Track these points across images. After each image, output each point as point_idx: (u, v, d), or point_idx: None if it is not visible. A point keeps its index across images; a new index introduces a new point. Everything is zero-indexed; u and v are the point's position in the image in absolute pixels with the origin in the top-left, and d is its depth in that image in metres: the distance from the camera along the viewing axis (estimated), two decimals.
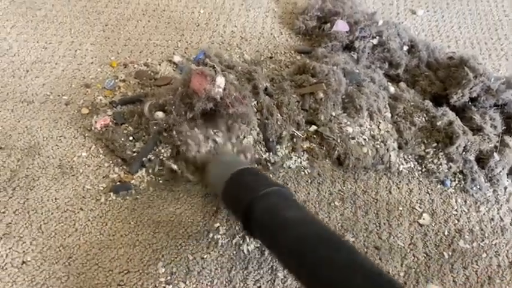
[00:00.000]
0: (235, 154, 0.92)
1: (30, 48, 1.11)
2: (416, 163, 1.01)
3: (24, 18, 1.19)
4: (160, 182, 0.89)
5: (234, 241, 0.83)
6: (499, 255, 0.86)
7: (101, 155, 0.92)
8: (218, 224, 0.85)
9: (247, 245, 0.82)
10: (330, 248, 0.63)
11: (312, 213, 0.76)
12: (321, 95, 1.00)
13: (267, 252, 0.81)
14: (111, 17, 1.23)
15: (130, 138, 0.93)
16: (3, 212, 0.81)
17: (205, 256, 0.80)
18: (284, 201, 0.74)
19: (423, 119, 1.04)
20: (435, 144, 1.01)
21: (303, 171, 0.95)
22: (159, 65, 1.12)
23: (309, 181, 0.94)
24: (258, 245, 0.82)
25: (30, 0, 1.25)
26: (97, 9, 1.25)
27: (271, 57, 1.20)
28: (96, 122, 0.97)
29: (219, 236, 0.83)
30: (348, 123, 1.01)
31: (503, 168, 0.99)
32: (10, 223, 0.80)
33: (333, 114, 1.01)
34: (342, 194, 0.93)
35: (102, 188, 0.87)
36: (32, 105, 0.99)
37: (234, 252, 0.82)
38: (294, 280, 0.79)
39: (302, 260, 0.63)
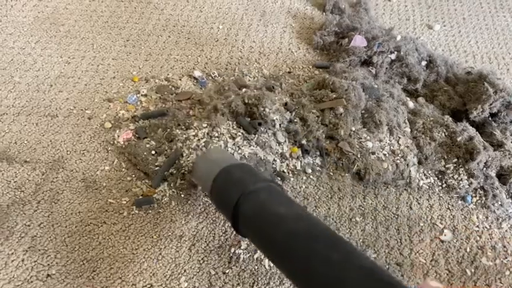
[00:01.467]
0: (226, 151, 0.89)
1: (53, 63, 1.13)
2: (436, 178, 1.01)
3: (48, 34, 1.21)
4: (182, 196, 0.90)
5: (255, 256, 0.83)
6: None
7: (123, 169, 0.93)
8: (240, 239, 0.85)
9: None
10: (323, 244, 0.61)
11: (305, 209, 0.73)
12: (341, 110, 1.00)
13: None
14: (132, 33, 1.25)
15: (153, 152, 0.94)
16: (29, 225, 0.82)
17: (227, 271, 0.80)
18: (275, 197, 0.71)
19: (443, 134, 1.04)
20: (455, 160, 1.01)
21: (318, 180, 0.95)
22: (180, 79, 1.13)
23: (329, 196, 0.94)
24: None
25: (54, 16, 1.27)
26: (118, 25, 1.27)
27: (289, 72, 1.21)
28: (118, 136, 0.98)
29: (241, 251, 0.83)
30: (368, 138, 1.01)
31: None
32: (35, 236, 0.81)
33: (353, 129, 1.02)
34: (363, 209, 0.93)
35: (124, 202, 0.88)
36: (56, 119, 1.01)
37: (256, 267, 0.82)
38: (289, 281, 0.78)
39: (294, 256, 0.61)
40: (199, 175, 0.83)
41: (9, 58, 1.13)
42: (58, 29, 1.23)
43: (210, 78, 1.16)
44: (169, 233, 0.84)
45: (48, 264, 0.78)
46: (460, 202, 0.97)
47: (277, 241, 0.64)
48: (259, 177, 0.76)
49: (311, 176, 0.97)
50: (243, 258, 0.82)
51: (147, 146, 0.95)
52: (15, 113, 1.01)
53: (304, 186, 0.95)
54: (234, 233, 0.85)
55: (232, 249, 0.84)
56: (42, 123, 1.00)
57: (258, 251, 0.83)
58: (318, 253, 0.59)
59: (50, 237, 0.81)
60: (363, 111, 1.04)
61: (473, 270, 0.85)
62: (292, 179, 0.95)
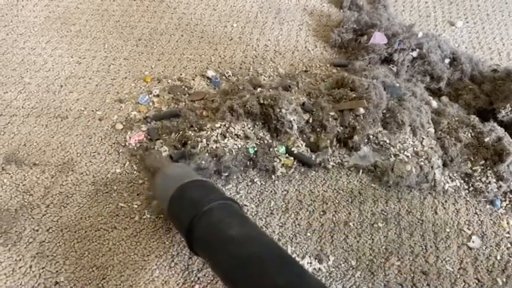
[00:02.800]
0: (188, 166, 0.86)
1: (64, 63, 1.11)
2: (462, 181, 0.96)
3: (58, 34, 1.19)
4: None
5: None
6: None
7: (135, 172, 0.90)
8: None
9: None
10: (270, 268, 0.59)
11: (259, 229, 0.71)
12: (362, 110, 0.96)
13: None
14: (144, 32, 1.22)
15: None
16: (37, 230, 0.79)
17: None
18: (229, 216, 0.69)
19: (469, 134, 0.99)
20: (483, 162, 0.95)
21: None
22: (193, 79, 1.10)
23: (350, 200, 0.90)
24: None
25: (65, 16, 1.25)
26: (130, 24, 1.24)
27: (306, 71, 1.17)
28: (130, 137, 0.95)
29: None
30: (390, 139, 0.96)
31: None
32: (43, 241, 0.78)
33: (371, 132, 0.97)
34: (385, 214, 0.88)
35: (136, 206, 0.85)
36: (66, 120, 0.98)
37: None
38: None
39: (240, 280, 0.60)
40: (158, 191, 0.81)
41: (20, 58, 1.11)
42: (69, 29, 1.21)
43: (224, 78, 1.12)
44: (182, 239, 0.81)
45: (57, 271, 0.74)
46: (488, 206, 0.92)
47: (226, 264, 0.63)
48: (215, 195, 0.73)
49: (328, 180, 0.93)
50: None
51: (160, 148, 0.92)
52: (24, 115, 0.98)
53: (322, 190, 0.91)
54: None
55: None
56: (52, 124, 0.97)
57: None
58: (264, 277, 0.58)
59: (58, 242, 0.78)
60: (384, 111, 0.99)
61: (504, 280, 0.80)
62: (307, 181, 0.91)
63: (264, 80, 1.12)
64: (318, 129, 0.97)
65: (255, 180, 0.91)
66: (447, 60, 1.16)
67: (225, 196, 0.75)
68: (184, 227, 0.70)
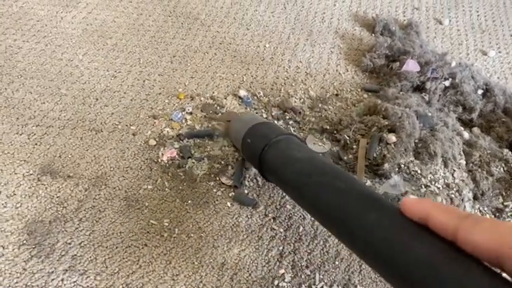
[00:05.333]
0: (256, 114, 1.04)
1: (100, 77, 1.13)
2: (493, 216, 0.95)
3: (95, 47, 1.21)
4: (224, 219, 0.87)
5: None
6: None
7: (166, 189, 0.91)
8: (283, 271, 0.81)
9: None
10: (332, 177, 0.67)
11: (320, 156, 0.81)
12: (394, 139, 0.96)
13: None
14: (178, 49, 1.24)
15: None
16: (69, 244, 0.80)
17: None
18: (294, 145, 0.80)
19: (501, 169, 0.98)
20: None
21: None
22: (225, 98, 1.11)
23: None
24: None
25: (102, 29, 1.27)
26: (165, 40, 1.26)
27: (337, 95, 1.17)
28: (162, 154, 0.96)
29: (285, 284, 0.79)
30: (421, 169, 0.96)
31: None
32: (75, 255, 0.79)
33: (402, 161, 0.97)
34: None
35: (166, 224, 0.85)
36: (101, 134, 0.99)
37: None
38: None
39: (306, 190, 0.68)
40: (233, 134, 0.94)
41: (57, 70, 1.13)
42: (105, 42, 1.23)
43: (256, 98, 1.13)
44: (211, 260, 0.81)
45: (88, 286, 0.75)
46: None
47: (291, 178, 0.73)
48: (282, 131, 0.86)
49: None
50: None
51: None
52: (60, 126, 1.00)
53: None
54: (278, 264, 0.82)
55: (276, 282, 0.79)
56: (86, 137, 0.99)
57: (303, 285, 0.79)
58: (324, 184, 0.66)
59: (90, 257, 0.79)
60: (416, 141, 0.99)
61: None
62: None
63: (295, 102, 1.13)
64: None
65: (285, 204, 0.91)
66: (480, 91, 1.15)
67: (291, 132, 0.90)
68: (257, 155, 0.81)
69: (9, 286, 0.74)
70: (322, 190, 0.65)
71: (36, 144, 0.96)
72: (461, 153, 1.01)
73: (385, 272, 0.52)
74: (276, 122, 1.07)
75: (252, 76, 1.19)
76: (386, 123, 0.99)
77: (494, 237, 0.39)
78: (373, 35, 1.41)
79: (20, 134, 0.97)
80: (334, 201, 0.62)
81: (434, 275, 0.43)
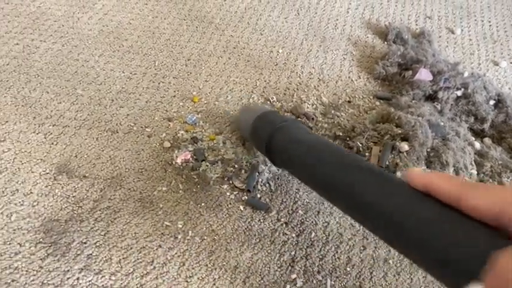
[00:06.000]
0: (263, 105, 1.08)
1: (116, 78, 1.14)
2: None
3: (111, 48, 1.23)
4: (237, 222, 0.88)
5: None
6: None
7: (180, 191, 0.92)
8: (295, 276, 0.82)
9: None
10: (338, 155, 0.71)
11: (326, 139, 0.88)
12: (406, 147, 0.97)
13: None
14: (193, 52, 1.25)
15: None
16: (85, 243, 0.81)
17: None
18: (299, 129, 0.84)
19: None
20: None
21: None
22: (238, 103, 1.12)
23: None
24: None
25: (118, 31, 1.29)
26: (180, 43, 1.27)
27: (349, 102, 1.18)
28: (177, 156, 0.97)
29: None
30: None
31: None
32: (91, 255, 0.80)
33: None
34: None
35: (180, 226, 0.86)
36: (116, 135, 1.01)
37: None
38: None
39: (316, 171, 0.72)
40: (241, 123, 0.97)
41: (74, 70, 1.14)
42: (121, 44, 1.25)
43: (269, 103, 1.14)
44: (224, 263, 0.82)
45: (103, 285, 0.76)
46: None
47: (299, 159, 0.76)
48: (288, 117, 0.93)
49: None
50: None
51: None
52: (76, 126, 1.01)
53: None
54: (290, 269, 0.82)
55: (288, 286, 0.80)
56: (102, 138, 1.00)
57: None
58: (334, 162, 0.70)
59: (105, 257, 0.80)
60: (428, 150, 0.99)
61: None
62: None
63: (308, 107, 1.14)
64: None
65: (297, 209, 0.92)
66: (492, 102, 1.16)
67: (298, 120, 0.96)
68: (265, 140, 0.84)
69: (26, 283, 0.75)
70: (332, 167, 0.69)
71: (52, 143, 0.97)
72: (473, 163, 1.01)
73: (394, 238, 0.56)
74: None
75: (265, 81, 1.20)
76: (400, 131, 0.99)
77: (495, 200, 0.41)
78: (385, 42, 1.41)
79: (37, 133, 0.99)
80: (346, 177, 0.66)
81: (439, 234, 0.46)
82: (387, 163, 0.97)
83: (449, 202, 0.46)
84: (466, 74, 1.19)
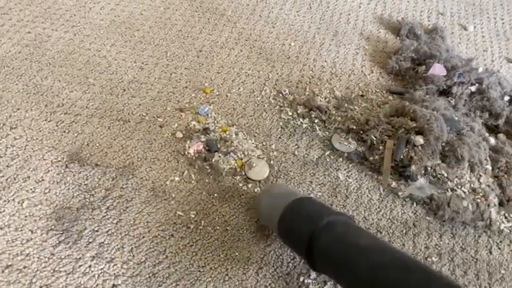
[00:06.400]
0: (287, 185, 0.90)
1: (127, 68, 1.13)
2: None
3: (123, 38, 1.22)
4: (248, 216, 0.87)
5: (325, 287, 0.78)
6: None
7: (193, 181, 0.91)
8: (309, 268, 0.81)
9: None
10: (403, 270, 0.60)
11: (383, 240, 0.73)
12: (421, 141, 0.95)
13: None
14: (205, 43, 1.24)
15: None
16: (97, 231, 0.81)
17: None
18: (352, 229, 0.71)
19: None
20: None
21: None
22: (250, 95, 1.11)
23: (404, 231, 0.89)
24: None
25: (130, 21, 1.28)
26: (192, 35, 1.27)
27: (362, 96, 1.17)
28: (189, 147, 0.96)
29: (310, 281, 0.79)
30: (448, 173, 0.95)
31: None
32: (103, 243, 0.79)
33: (429, 164, 0.96)
34: (439, 249, 0.87)
35: (193, 216, 0.85)
36: (128, 124, 1.00)
37: None
38: None
39: (375, 286, 0.60)
40: (264, 209, 0.82)
41: (85, 59, 1.14)
42: (133, 34, 1.24)
43: (281, 95, 1.13)
44: (237, 253, 0.81)
45: (115, 274, 0.76)
46: None
47: (361, 274, 0.62)
48: (331, 210, 0.75)
49: (382, 208, 0.92)
50: None
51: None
52: (88, 115, 1.00)
53: (376, 219, 0.90)
54: (303, 261, 0.81)
55: (301, 278, 0.79)
56: (114, 127, 0.99)
57: (328, 283, 0.79)
58: (398, 278, 0.59)
59: (117, 245, 0.79)
60: (443, 144, 0.98)
61: None
62: (361, 208, 0.91)
63: (321, 101, 1.12)
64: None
65: None
66: (507, 98, 1.14)
67: (339, 211, 0.77)
68: (304, 241, 0.70)
69: (38, 270, 0.74)
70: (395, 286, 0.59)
71: (64, 131, 0.96)
72: (488, 158, 1.00)
73: None
74: (301, 120, 1.07)
75: (277, 74, 1.19)
76: (414, 125, 0.98)
77: None
78: (398, 38, 1.40)
79: (49, 121, 0.98)
80: None
81: None
82: (401, 156, 0.96)
83: None
84: (480, 70, 1.18)
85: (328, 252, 0.68)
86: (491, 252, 0.88)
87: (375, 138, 0.99)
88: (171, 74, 1.14)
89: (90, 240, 0.79)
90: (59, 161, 0.91)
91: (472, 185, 0.95)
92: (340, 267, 0.67)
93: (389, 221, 0.90)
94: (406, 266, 0.61)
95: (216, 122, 1.03)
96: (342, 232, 0.69)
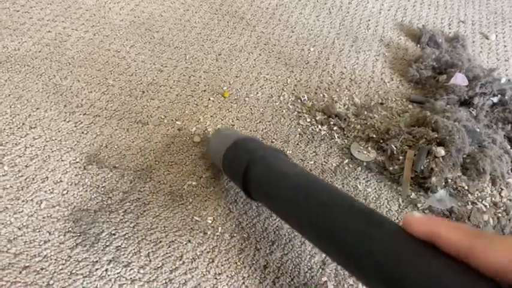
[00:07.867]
0: (236, 130, 0.98)
1: (146, 70, 1.13)
2: None
3: (142, 39, 1.22)
4: (267, 223, 0.86)
5: None
6: None
7: (210, 187, 0.90)
8: (326, 279, 0.80)
9: None
10: (325, 192, 0.64)
11: (308, 171, 0.76)
12: (443, 152, 0.94)
13: None
14: (224, 47, 1.24)
15: None
16: (114, 234, 0.80)
17: None
18: (280, 160, 0.76)
19: None
20: None
21: None
22: (268, 100, 1.10)
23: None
24: None
25: (149, 22, 1.28)
26: (211, 38, 1.26)
27: (381, 104, 1.16)
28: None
29: None
30: (468, 185, 0.94)
31: None
32: (119, 247, 0.79)
33: (450, 176, 0.95)
34: None
35: (210, 221, 0.85)
36: (147, 126, 1.00)
37: None
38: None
39: (299, 207, 0.64)
40: (213, 150, 0.89)
41: (105, 60, 1.14)
42: (152, 36, 1.24)
43: (299, 101, 1.12)
44: (254, 262, 0.80)
45: (131, 278, 0.75)
46: None
47: (282, 196, 0.68)
48: (267, 146, 0.82)
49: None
50: None
51: None
52: (107, 116, 1.00)
53: None
54: (320, 271, 0.80)
55: None
56: (132, 129, 0.99)
57: None
58: (322, 201, 0.62)
59: (134, 249, 0.79)
60: (464, 156, 0.97)
61: None
62: None
63: (339, 108, 1.11)
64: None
65: None
66: None
67: (277, 148, 0.82)
68: (240, 171, 0.76)
69: (55, 272, 0.74)
70: (319, 207, 0.61)
71: (83, 132, 0.96)
72: (510, 171, 0.99)
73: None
74: (319, 127, 1.06)
75: (296, 79, 1.18)
76: (436, 136, 0.97)
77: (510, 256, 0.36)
78: (418, 45, 1.39)
79: (68, 122, 0.98)
80: (334, 219, 0.58)
81: None
82: (422, 167, 0.95)
83: (457, 255, 0.39)
84: (503, 81, 1.16)
85: (258, 180, 0.74)
86: None
87: (395, 148, 0.98)
88: (189, 77, 1.13)
89: (107, 244, 0.79)
90: (77, 162, 0.91)
91: (493, 199, 0.94)
92: (267, 193, 0.72)
93: None
94: (325, 187, 0.66)
95: (234, 126, 1.02)
96: (270, 162, 0.75)
